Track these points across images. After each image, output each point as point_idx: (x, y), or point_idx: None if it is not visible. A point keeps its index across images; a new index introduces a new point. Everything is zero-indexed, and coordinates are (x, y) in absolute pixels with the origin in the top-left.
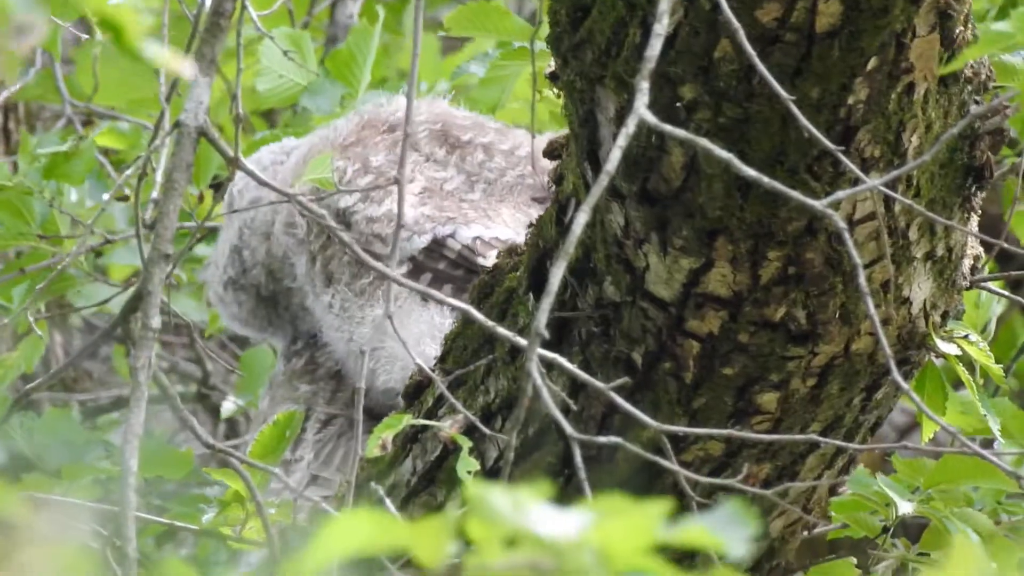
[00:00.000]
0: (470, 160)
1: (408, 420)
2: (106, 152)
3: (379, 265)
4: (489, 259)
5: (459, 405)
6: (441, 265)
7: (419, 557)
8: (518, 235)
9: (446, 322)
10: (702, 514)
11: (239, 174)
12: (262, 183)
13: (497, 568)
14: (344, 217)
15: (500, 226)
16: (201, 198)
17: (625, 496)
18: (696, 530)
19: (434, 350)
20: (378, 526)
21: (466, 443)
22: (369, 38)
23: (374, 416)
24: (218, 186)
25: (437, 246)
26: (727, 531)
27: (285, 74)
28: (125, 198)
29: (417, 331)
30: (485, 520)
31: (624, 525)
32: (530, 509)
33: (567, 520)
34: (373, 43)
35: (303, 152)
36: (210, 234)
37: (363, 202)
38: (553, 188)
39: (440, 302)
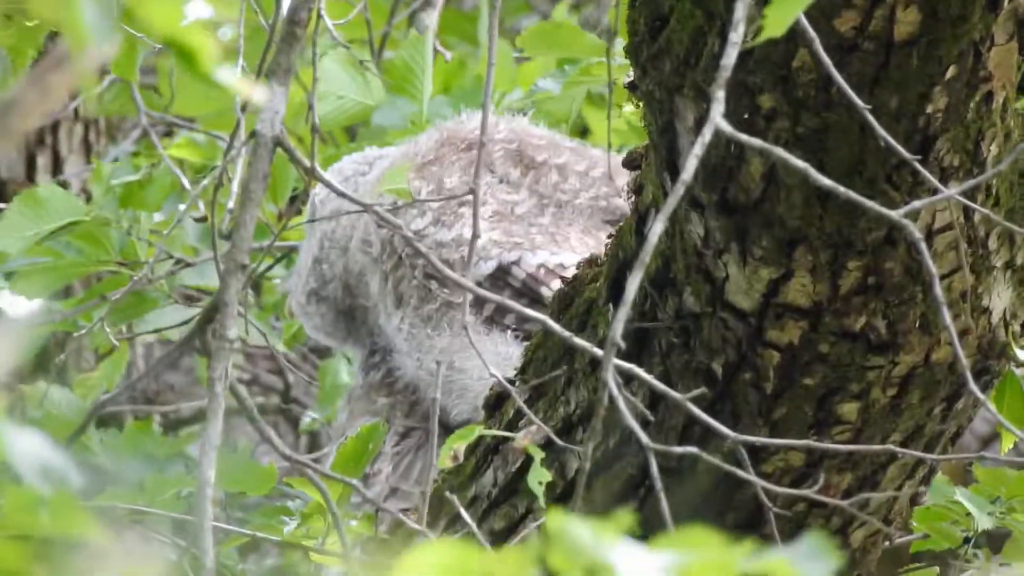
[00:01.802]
0: (544, 182)
1: (479, 431)
2: (182, 163)
3: (454, 275)
4: (553, 287)
5: (534, 417)
6: (506, 292)
7: None
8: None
9: (511, 350)
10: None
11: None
12: (340, 194)
13: None
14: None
15: (567, 252)
16: (280, 216)
17: (705, 512)
18: (778, 563)
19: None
20: (461, 555)
21: (538, 454)
22: (422, 47)
23: (452, 431)
24: (294, 199)
25: (502, 273)
26: (809, 564)
27: (345, 94)
28: (204, 219)
29: (478, 365)
30: (565, 553)
31: (705, 564)
32: (610, 543)
33: (648, 559)
34: (428, 52)
35: (384, 166)
36: (290, 253)
37: (434, 226)
38: (632, 198)
39: (520, 314)
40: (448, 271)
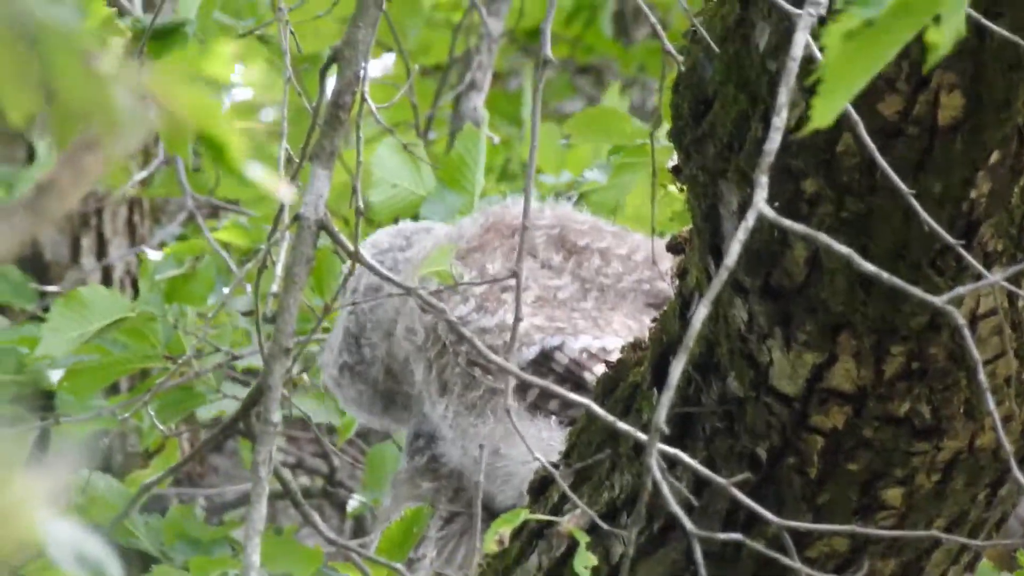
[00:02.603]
0: (586, 266)
1: (525, 515)
2: (228, 247)
3: (498, 359)
4: (596, 372)
5: (578, 501)
6: (549, 378)
7: None
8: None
9: (555, 435)
10: None
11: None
12: (383, 277)
13: None
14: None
15: (610, 336)
16: (327, 310)
17: None
18: None
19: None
20: None
21: (583, 538)
22: (476, 140)
23: (495, 516)
24: None
25: (545, 358)
26: None
27: (399, 184)
28: (250, 313)
29: (522, 453)
30: None
31: None
32: None
33: None
34: (481, 146)
35: (424, 244)
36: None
37: (477, 312)
38: (676, 283)
39: (563, 398)
40: (491, 354)
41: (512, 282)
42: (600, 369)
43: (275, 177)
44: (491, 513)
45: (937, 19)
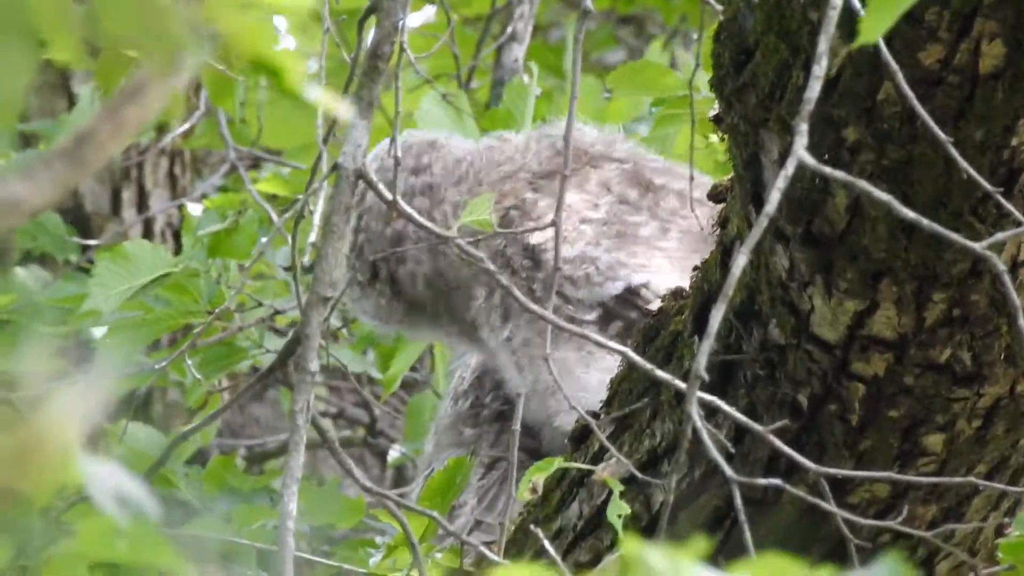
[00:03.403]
0: (663, 206)
1: (559, 463)
2: (273, 197)
3: (536, 308)
4: None
5: (614, 450)
6: (633, 315)
7: None
8: None
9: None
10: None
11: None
12: (422, 227)
13: None
14: (534, 254)
15: None
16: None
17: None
18: None
19: None
20: None
21: (617, 487)
22: (525, 94)
23: (542, 459)
24: None
25: (630, 295)
26: None
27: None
28: (289, 267)
29: (598, 378)
30: None
31: None
32: (687, 570)
33: None
34: (530, 100)
35: (467, 165)
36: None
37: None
38: (717, 231)
39: (598, 344)
40: (529, 303)
41: (582, 217)
42: None
43: (334, 96)
44: (537, 456)
45: None
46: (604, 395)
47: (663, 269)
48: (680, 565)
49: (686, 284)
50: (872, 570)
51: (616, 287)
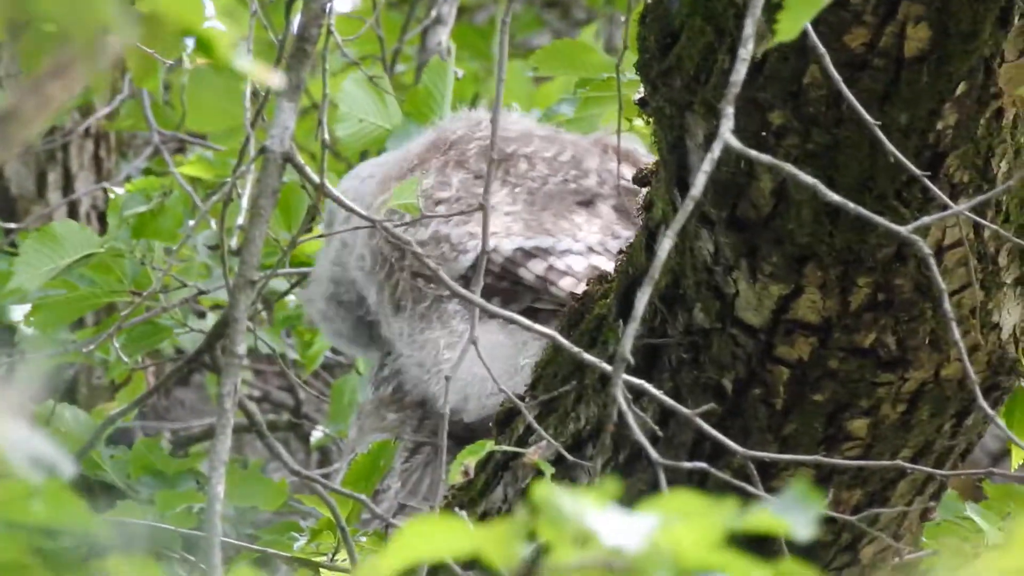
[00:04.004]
0: (513, 171)
1: (490, 447)
2: (195, 181)
3: (463, 291)
4: (532, 269)
5: (544, 433)
6: (488, 279)
7: (491, 560)
8: (559, 241)
9: (500, 338)
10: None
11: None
12: (349, 209)
13: (570, 568)
14: (397, 245)
15: (542, 235)
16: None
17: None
18: (762, 516)
19: (512, 372)
20: (450, 531)
21: (548, 470)
22: (444, 73)
23: (463, 444)
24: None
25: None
26: (793, 514)
27: (365, 118)
28: (217, 247)
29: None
30: (552, 523)
31: (691, 523)
32: (595, 511)
33: (634, 524)
34: (449, 79)
35: (381, 175)
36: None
37: (412, 226)
38: (642, 215)
39: (527, 328)
40: (457, 287)
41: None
42: (537, 265)
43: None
44: (459, 440)
45: None
46: (477, 376)
47: (512, 231)
48: (588, 506)
49: (537, 242)
50: (782, 499)
51: (468, 259)
